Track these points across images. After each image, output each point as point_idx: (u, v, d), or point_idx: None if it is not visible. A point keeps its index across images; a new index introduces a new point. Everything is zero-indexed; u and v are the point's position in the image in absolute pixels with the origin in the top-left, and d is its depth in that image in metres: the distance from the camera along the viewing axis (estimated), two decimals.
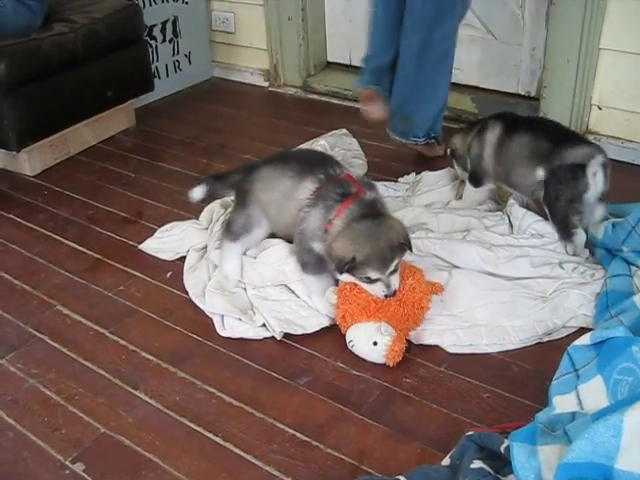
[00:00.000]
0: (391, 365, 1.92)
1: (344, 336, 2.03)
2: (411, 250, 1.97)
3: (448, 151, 2.68)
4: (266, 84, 4.02)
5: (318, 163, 2.11)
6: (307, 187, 2.05)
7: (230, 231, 2.25)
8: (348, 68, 3.90)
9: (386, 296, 1.93)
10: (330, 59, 4.01)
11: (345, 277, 1.97)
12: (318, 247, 2.03)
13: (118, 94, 3.37)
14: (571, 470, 1.36)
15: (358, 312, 1.98)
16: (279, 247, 2.22)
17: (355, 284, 1.98)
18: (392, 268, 1.91)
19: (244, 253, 2.27)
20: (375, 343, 1.94)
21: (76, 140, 3.29)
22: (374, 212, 1.96)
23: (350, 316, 1.99)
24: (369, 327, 1.96)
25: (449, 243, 2.28)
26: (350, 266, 1.90)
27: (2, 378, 2.00)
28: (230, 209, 2.41)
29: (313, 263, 2.08)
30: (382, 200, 2.06)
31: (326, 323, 2.10)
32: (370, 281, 1.93)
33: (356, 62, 3.60)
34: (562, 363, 1.84)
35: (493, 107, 3.17)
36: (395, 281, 1.94)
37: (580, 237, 2.24)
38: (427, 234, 2.33)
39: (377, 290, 1.94)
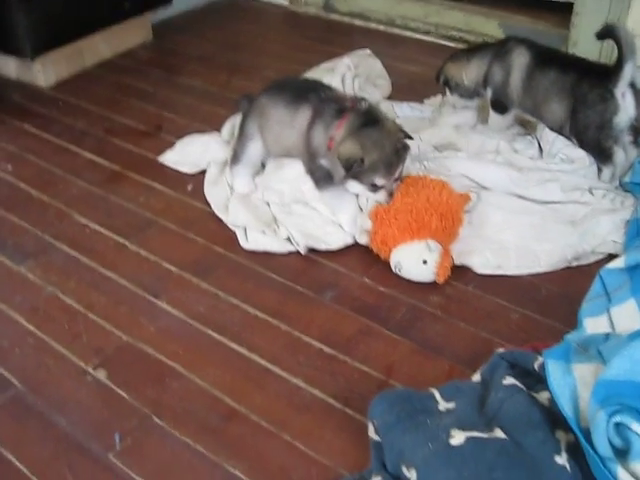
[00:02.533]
0: (441, 282, 1.90)
1: (370, 253, 2.00)
2: (410, 137, 2.04)
3: (441, 80, 2.56)
4: (287, 3, 3.90)
5: (310, 89, 2.15)
6: (303, 114, 2.11)
7: (233, 155, 2.30)
8: None
9: (388, 203, 1.97)
10: None
11: (352, 185, 2.00)
12: (325, 162, 2.06)
13: (135, 5, 3.26)
14: (609, 387, 1.33)
15: (400, 233, 1.92)
16: (296, 165, 2.19)
17: (389, 207, 1.96)
18: (397, 175, 1.96)
19: (260, 172, 2.29)
20: (425, 262, 1.89)
21: (91, 52, 3.21)
22: (373, 119, 2.01)
23: (392, 239, 1.93)
24: (416, 247, 1.91)
25: (479, 163, 2.23)
26: (358, 170, 1.92)
27: (21, 285, 1.97)
28: None
29: (324, 178, 2.10)
30: (376, 106, 2.13)
31: (351, 241, 2.07)
32: (375, 188, 1.96)
33: None
34: (593, 286, 1.80)
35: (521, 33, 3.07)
36: (395, 187, 1.98)
37: (619, 156, 2.18)
38: (456, 154, 2.28)
39: (380, 197, 1.98)
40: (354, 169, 1.93)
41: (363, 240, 2.04)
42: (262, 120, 2.22)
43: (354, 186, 2.00)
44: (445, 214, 1.93)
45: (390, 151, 1.95)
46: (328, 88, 2.19)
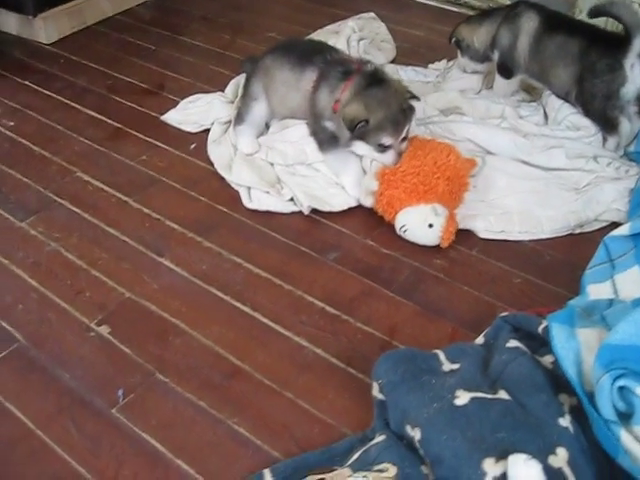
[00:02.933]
0: (445, 246, 1.90)
1: (374, 215, 2.00)
2: (417, 99, 2.03)
3: (452, 41, 2.54)
4: None
5: (315, 51, 2.15)
6: (309, 76, 2.10)
7: (237, 115, 2.29)
8: None
9: (395, 164, 1.95)
10: None
11: (358, 146, 1.99)
12: (330, 125, 2.05)
13: None
14: (613, 351, 1.33)
15: (406, 196, 1.91)
16: (300, 126, 2.18)
17: (395, 169, 1.94)
18: (404, 134, 1.94)
19: (264, 133, 2.29)
20: (431, 225, 1.88)
21: (93, 10, 3.17)
22: (378, 79, 2.00)
23: (398, 201, 1.92)
24: (422, 210, 1.90)
25: (484, 128, 2.22)
26: (363, 130, 1.92)
27: (23, 241, 1.97)
28: None
29: (328, 140, 2.08)
30: (382, 68, 2.12)
31: (353, 203, 2.06)
32: (383, 148, 1.95)
33: None
34: (597, 253, 1.80)
35: None
36: (404, 147, 1.97)
37: (624, 126, 2.17)
38: (462, 118, 2.27)
39: (388, 158, 1.96)
40: (359, 130, 1.92)
41: (368, 202, 2.02)
42: (267, 81, 2.21)
43: (361, 147, 1.99)
44: (452, 178, 1.92)
45: (396, 110, 1.94)
46: (334, 50, 2.18)
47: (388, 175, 1.94)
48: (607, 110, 2.17)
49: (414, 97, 2.01)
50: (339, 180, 2.09)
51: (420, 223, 1.90)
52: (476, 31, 2.45)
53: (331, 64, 2.08)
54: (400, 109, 1.94)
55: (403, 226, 1.92)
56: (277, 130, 2.25)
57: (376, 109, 1.92)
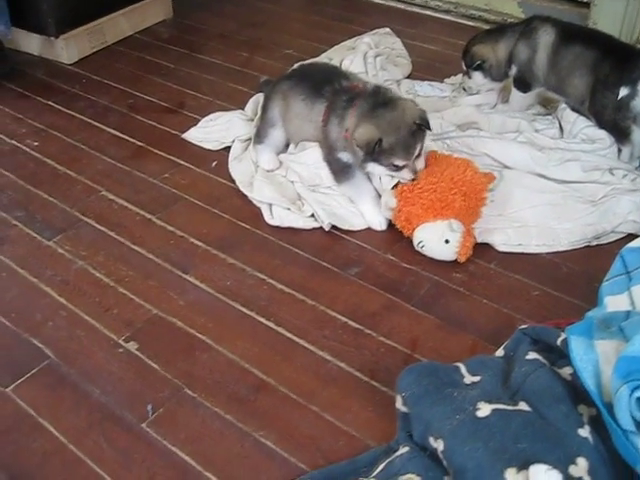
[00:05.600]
0: (463, 261, 1.93)
1: (393, 229, 2.03)
2: (429, 129, 1.98)
3: (475, 65, 2.48)
4: None
5: (326, 81, 2.14)
6: (318, 109, 2.12)
7: (257, 134, 2.33)
8: None
9: (413, 180, 1.96)
10: None
11: (373, 167, 2.00)
12: (343, 156, 2.07)
13: None
14: (631, 363, 1.36)
15: (424, 212, 1.94)
16: (317, 149, 2.20)
17: (413, 185, 1.96)
18: (417, 152, 1.95)
19: (283, 151, 2.32)
20: (447, 241, 1.91)
21: (113, 29, 3.23)
22: (384, 100, 2.00)
23: (416, 217, 1.95)
24: (438, 226, 1.93)
25: (501, 142, 2.25)
26: (378, 150, 1.92)
27: (51, 259, 2.01)
28: None
29: (342, 170, 2.10)
30: (386, 87, 2.12)
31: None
32: (397, 168, 1.96)
33: None
34: (614, 265, 1.82)
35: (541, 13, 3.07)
36: (420, 164, 1.98)
37: (637, 135, 2.20)
38: (478, 132, 2.30)
39: (404, 175, 1.97)
40: (375, 152, 1.93)
41: (387, 215, 2.05)
42: (283, 109, 2.24)
43: (376, 168, 2.00)
44: (469, 193, 1.95)
45: (405, 130, 1.92)
46: (344, 77, 2.16)
47: (406, 192, 1.96)
48: (618, 120, 2.20)
49: (425, 125, 1.96)
50: (357, 208, 2.12)
51: (437, 239, 1.93)
52: (495, 50, 2.46)
53: (338, 94, 2.09)
54: (409, 128, 1.92)
55: (420, 242, 1.95)
56: (295, 150, 2.29)
57: (386, 128, 1.92)
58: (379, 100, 1.99)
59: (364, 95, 2.03)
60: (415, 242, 1.97)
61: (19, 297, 1.89)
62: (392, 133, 1.92)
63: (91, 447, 1.50)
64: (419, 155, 1.97)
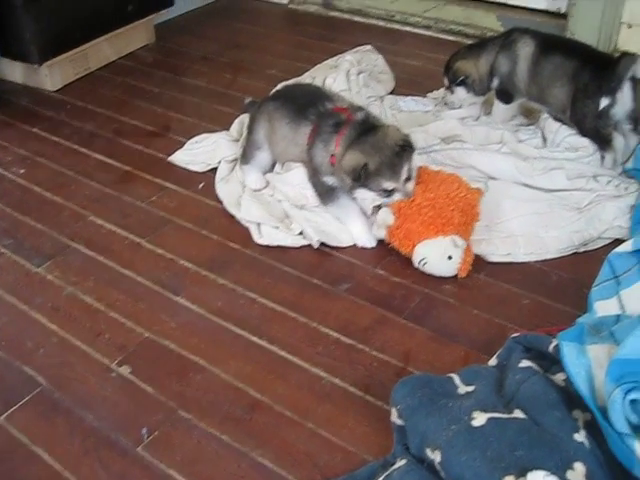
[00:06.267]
0: (463, 276, 1.93)
1: (382, 244, 2.04)
2: (412, 148, 1.98)
3: (458, 80, 2.52)
4: (286, 1, 3.94)
5: (310, 104, 2.15)
6: (303, 131, 2.12)
7: (243, 155, 2.35)
8: None
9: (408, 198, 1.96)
10: None
11: (363, 193, 1.99)
12: (328, 179, 2.08)
13: (138, 8, 3.31)
14: (623, 365, 1.37)
15: (424, 229, 1.93)
16: (302, 169, 2.21)
17: (410, 202, 1.96)
18: (405, 175, 1.95)
19: (270, 170, 2.33)
20: (450, 257, 1.91)
21: (96, 55, 3.25)
22: (369, 127, 2.01)
23: (416, 234, 1.93)
24: (441, 242, 1.91)
25: (485, 154, 2.27)
26: (365, 175, 1.92)
27: (40, 286, 2.01)
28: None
29: (327, 193, 2.11)
30: (373, 115, 2.11)
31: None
32: (388, 193, 1.96)
33: None
34: (602, 270, 1.85)
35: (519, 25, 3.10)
36: (411, 187, 1.97)
37: (618, 141, 2.22)
38: (462, 145, 2.32)
39: (397, 199, 1.97)
40: (362, 177, 1.93)
41: (380, 235, 2.04)
42: (268, 131, 2.26)
43: (366, 194, 2.00)
44: (465, 209, 1.95)
45: (390, 153, 1.93)
46: (329, 99, 2.16)
47: (404, 209, 1.95)
48: (600, 128, 2.23)
49: (409, 145, 1.98)
50: (346, 227, 2.12)
51: (440, 255, 1.92)
52: (477, 65, 2.49)
53: (323, 117, 2.09)
54: (394, 152, 1.93)
55: (423, 259, 1.93)
56: (282, 170, 2.30)
57: (372, 154, 1.93)
58: (365, 128, 2.01)
59: (352, 123, 2.03)
60: (416, 259, 1.95)
61: (9, 325, 1.88)
62: (376, 155, 1.93)
63: (87, 473, 1.49)
64: (409, 178, 1.97)
